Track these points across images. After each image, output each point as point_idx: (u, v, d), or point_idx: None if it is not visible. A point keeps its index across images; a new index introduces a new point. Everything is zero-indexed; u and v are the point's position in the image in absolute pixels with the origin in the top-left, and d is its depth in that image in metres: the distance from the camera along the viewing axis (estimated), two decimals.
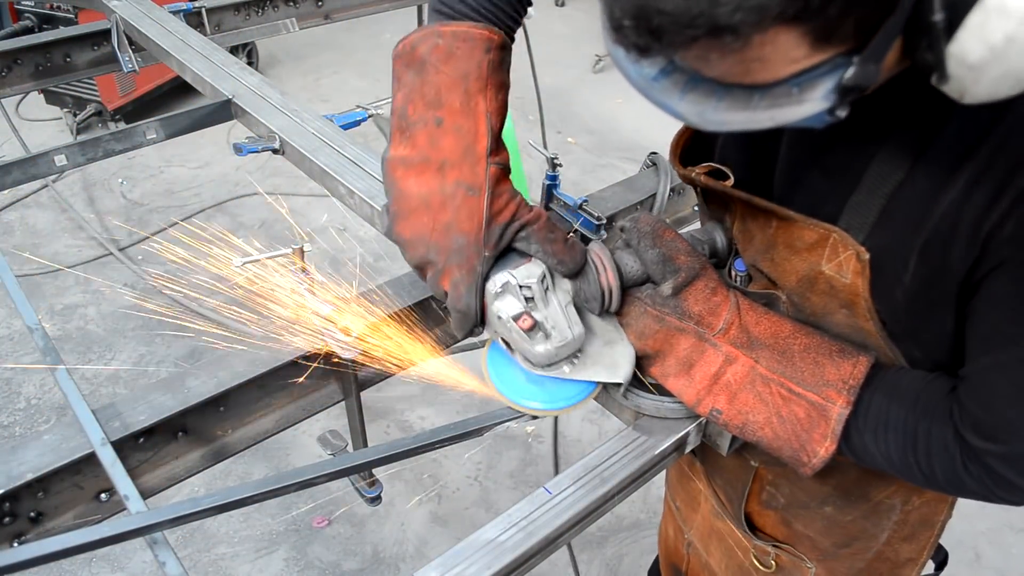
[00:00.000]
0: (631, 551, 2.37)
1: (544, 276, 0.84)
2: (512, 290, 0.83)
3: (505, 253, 0.84)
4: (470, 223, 0.80)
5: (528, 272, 0.83)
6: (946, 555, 1.18)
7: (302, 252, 1.08)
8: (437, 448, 0.84)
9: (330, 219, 3.74)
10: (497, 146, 0.83)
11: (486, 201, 0.80)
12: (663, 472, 1.00)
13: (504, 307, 0.82)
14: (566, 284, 0.87)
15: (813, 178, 0.84)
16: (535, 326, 0.82)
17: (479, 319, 0.85)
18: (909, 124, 0.74)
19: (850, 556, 1.10)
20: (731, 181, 0.89)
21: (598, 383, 0.88)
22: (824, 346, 0.83)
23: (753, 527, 1.17)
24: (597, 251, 0.87)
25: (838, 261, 0.80)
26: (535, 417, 0.90)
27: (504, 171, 0.83)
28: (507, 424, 0.89)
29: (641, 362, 0.89)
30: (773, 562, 1.17)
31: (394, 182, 0.83)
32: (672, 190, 1.43)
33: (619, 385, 0.88)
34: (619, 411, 0.95)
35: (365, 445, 1.18)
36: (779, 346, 0.84)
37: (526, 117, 4.58)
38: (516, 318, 0.82)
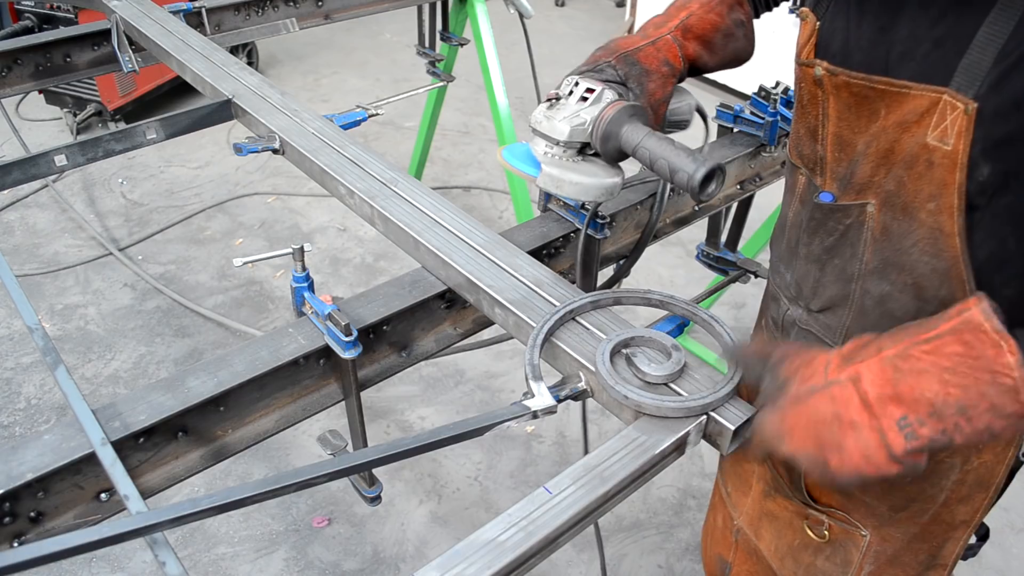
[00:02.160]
0: (631, 551, 2.37)
1: (596, 91, 1.03)
2: (569, 82, 1.06)
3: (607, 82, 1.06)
4: (623, 45, 1.09)
5: (591, 83, 1.05)
6: (987, 529, 1.18)
7: (302, 252, 1.08)
8: (437, 448, 0.84)
9: (330, 219, 3.75)
10: (686, 35, 1.13)
11: (642, 42, 1.10)
12: (663, 472, 1.00)
13: (562, 87, 1.06)
14: (598, 113, 1.03)
15: (922, 52, 0.86)
16: (555, 100, 1.05)
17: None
18: None
19: (906, 520, 1.10)
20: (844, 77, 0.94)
21: (541, 171, 1.05)
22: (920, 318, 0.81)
23: (810, 497, 1.17)
24: (624, 103, 1.03)
25: (944, 127, 0.83)
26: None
27: (682, 55, 1.12)
28: (507, 424, 0.89)
29: (818, 467, 0.81)
30: (826, 532, 1.17)
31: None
32: (672, 190, 1.43)
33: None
34: (619, 411, 0.95)
35: (365, 445, 1.18)
36: (884, 336, 0.80)
37: (526, 117, 4.59)
38: (551, 95, 1.06)
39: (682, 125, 1.18)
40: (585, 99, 1.04)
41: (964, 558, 1.15)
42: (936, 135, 0.85)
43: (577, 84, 1.05)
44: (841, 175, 0.99)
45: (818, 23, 0.98)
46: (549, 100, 1.05)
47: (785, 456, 0.83)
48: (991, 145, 0.83)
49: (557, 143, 1.04)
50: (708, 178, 0.97)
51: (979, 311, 0.73)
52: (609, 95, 1.04)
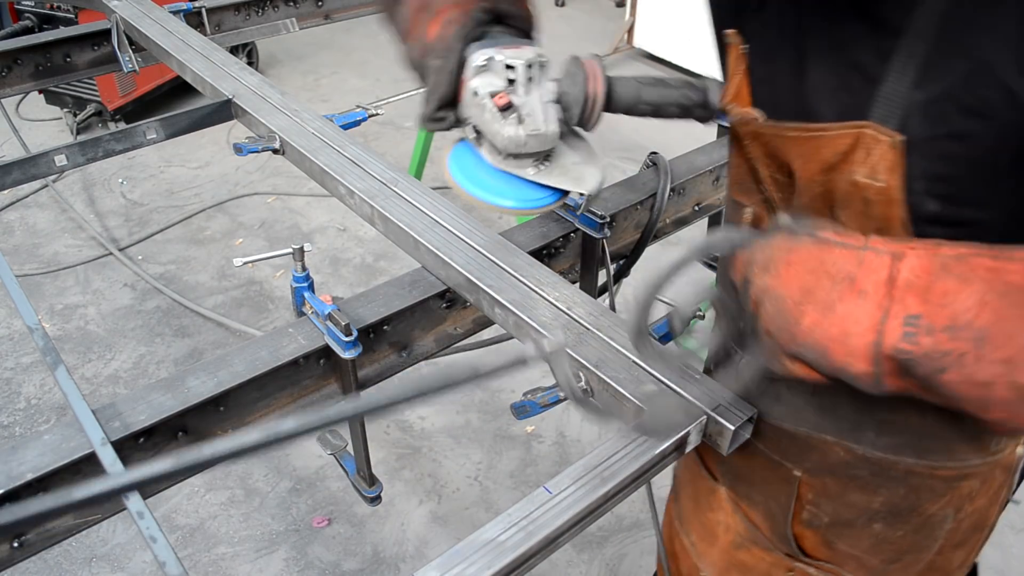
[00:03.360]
0: (631, 551, 2.37)
1: (534, 63, 0.82)
2: (496, 67, 0.80)
3: (501, 36, 0.83)
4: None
5: (517, 53, 0.81)
6: (975, 566, 1.13)
7: (302, 252, 1.08)
8: (431, 397, 0.73)
9: (330, 219, 3.75)
10: None
11: None
12: (663, 472, 0.99)
13: (483, 83, 0.80)
14: (551, 85, 0.85)
15: (840, 84, 0.78)
16: (511, 106, 0.79)
17: (451, 90, 0.82)
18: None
19: (900, 570, 1.06)
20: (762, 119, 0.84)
21: (563, 193, 0.87)
22: None
23: (799, 549, 1.10)
24: (591, 61, 0.84)
25: (871, 163, 0.74)
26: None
27: None
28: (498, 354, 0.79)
29: (788, 318, 0.71)
30: None
31: None
32: (672, 190, 1.44)
33: (582, 195, 0.87)
34: (619, 411, 0.95)
35: (365, 445, 1.18)
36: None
37: None
38: (493, 95, 0.79)
39: None
40: (531, 79, 0.83)
41: None
42: (865, 172, 0.75)
43: (511, 68, 0.82)
44: (791, 210, 0.89)
45: (744, 49, 0.85)
46: (504, 109, 0.81)
47: (753, 290, 0.72)
48: (933, 180, 0.74)
49: (547, 156, 0.87)
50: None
51: None
52: (543, 60, 0.84)
